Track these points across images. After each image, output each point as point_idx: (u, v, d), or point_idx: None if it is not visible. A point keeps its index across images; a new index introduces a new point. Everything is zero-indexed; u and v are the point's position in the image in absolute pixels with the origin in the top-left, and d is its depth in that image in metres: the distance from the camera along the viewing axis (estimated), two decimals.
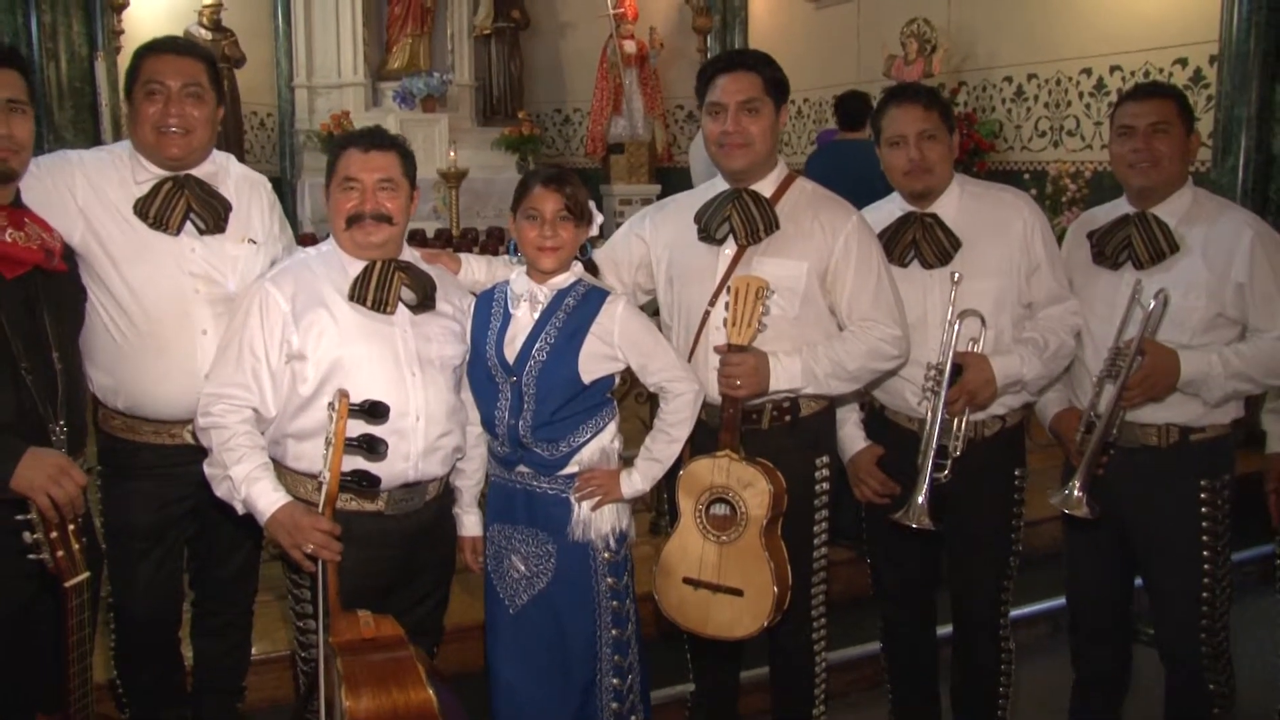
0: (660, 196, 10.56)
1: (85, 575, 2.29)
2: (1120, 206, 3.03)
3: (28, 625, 2.48)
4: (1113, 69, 7.34)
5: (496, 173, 11.26)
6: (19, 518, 2.22)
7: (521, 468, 2.78)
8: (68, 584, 2.26)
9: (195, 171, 2.75)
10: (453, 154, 9.78)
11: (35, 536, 2.23)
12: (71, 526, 2.28)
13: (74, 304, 2.62)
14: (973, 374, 2.86)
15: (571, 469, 2.76)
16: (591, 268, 2.89)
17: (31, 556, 2.24)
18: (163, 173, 2.71)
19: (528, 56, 12.86)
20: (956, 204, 3.00)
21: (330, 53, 11.73)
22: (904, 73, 8.65)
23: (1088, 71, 7.54)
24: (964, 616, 3.17)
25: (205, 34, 10.79)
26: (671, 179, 11.23)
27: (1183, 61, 6.86)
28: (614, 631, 2.83)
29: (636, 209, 10.53)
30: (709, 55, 11.42)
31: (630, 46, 11.49)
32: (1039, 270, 2.95)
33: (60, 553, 2.25)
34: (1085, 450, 2.87)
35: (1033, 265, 2.94)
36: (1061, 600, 3.48)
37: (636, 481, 2.79)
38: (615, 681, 2.84)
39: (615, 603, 2.82)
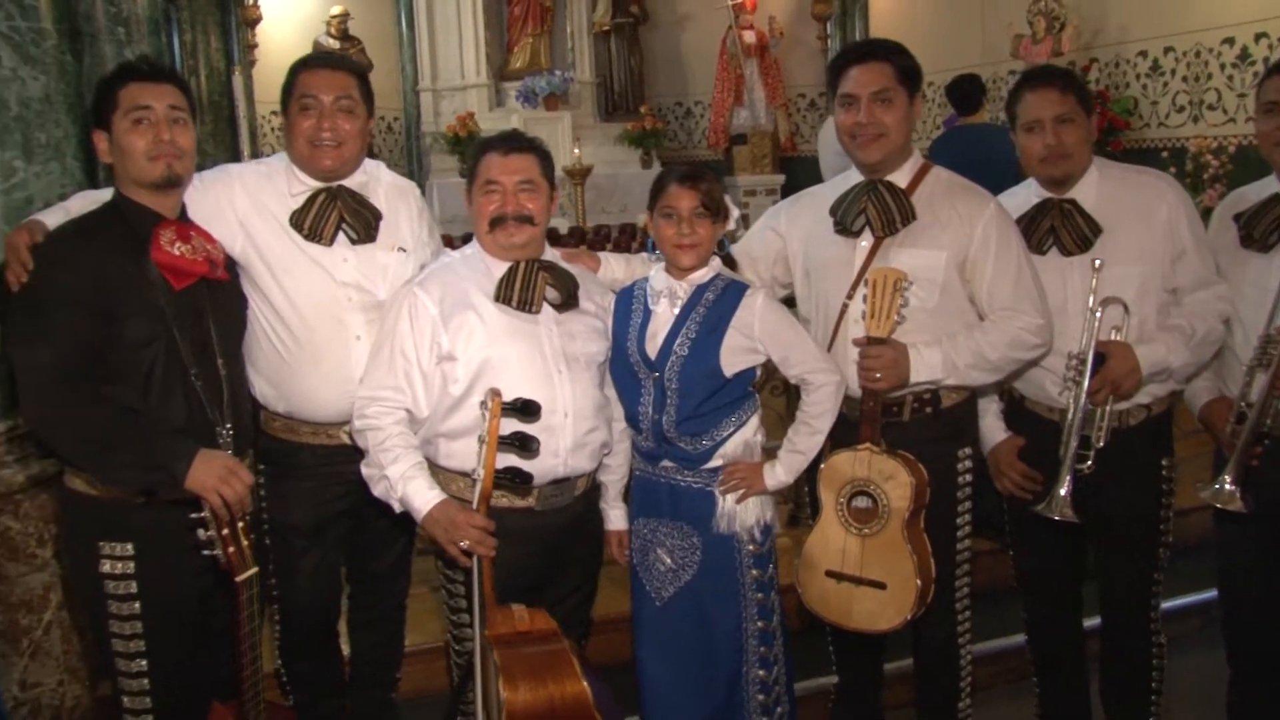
0: (785, 186, 10.67)
1: (254, 570, 2.41)
2: (1270, 185, 2.92)
3: (203, 618, 2.62)
4: (1258, 36, 7.01)
5: (620, 168, 11.35)
6: (192, 516, 2.35)
7: (666, 462, 2.82)
8: (238, 579, 2.38)
9: (347, 182, 2.83)
10: (577, 151, 9.89)
11: (208, 534, 2.35)
12: (241, 524, 2.40)
13: (237, 312, 2.74)
14: (1116, 363, 2.79)
15: (715, 462, 2.79)
16: (729, 262, 2.90)
17: (205, 553, 2.36)
18: (316, 184, 2.80)
19: (647, 50, 12.91)
20: (1096, 188, 2.93)
21: (453, 56, 11.95)
22: (1032, 52, 8.45)
23: (1230, 41, 7.23)
24: (1112, 610, 3.10)
25: (334, 43, 11.12)
26: (796, 169, 11.16)
27: None
28: (759, 623, 2.85)
29: (761, 200, 10.53)
30: (829, 42, 11.34)
31: (750, 36, 11.45)
32: (1185, 255, 2.86)
33: (231, 549, 2.37)
34: (1237, 441, 2.79)
35: (1178, 250, 2.86)
36: (1211, 593, 3.38)
37: (780, 474, 2.80)
38: (761, 673, 2.86)
39: (760, 594, 2.84)
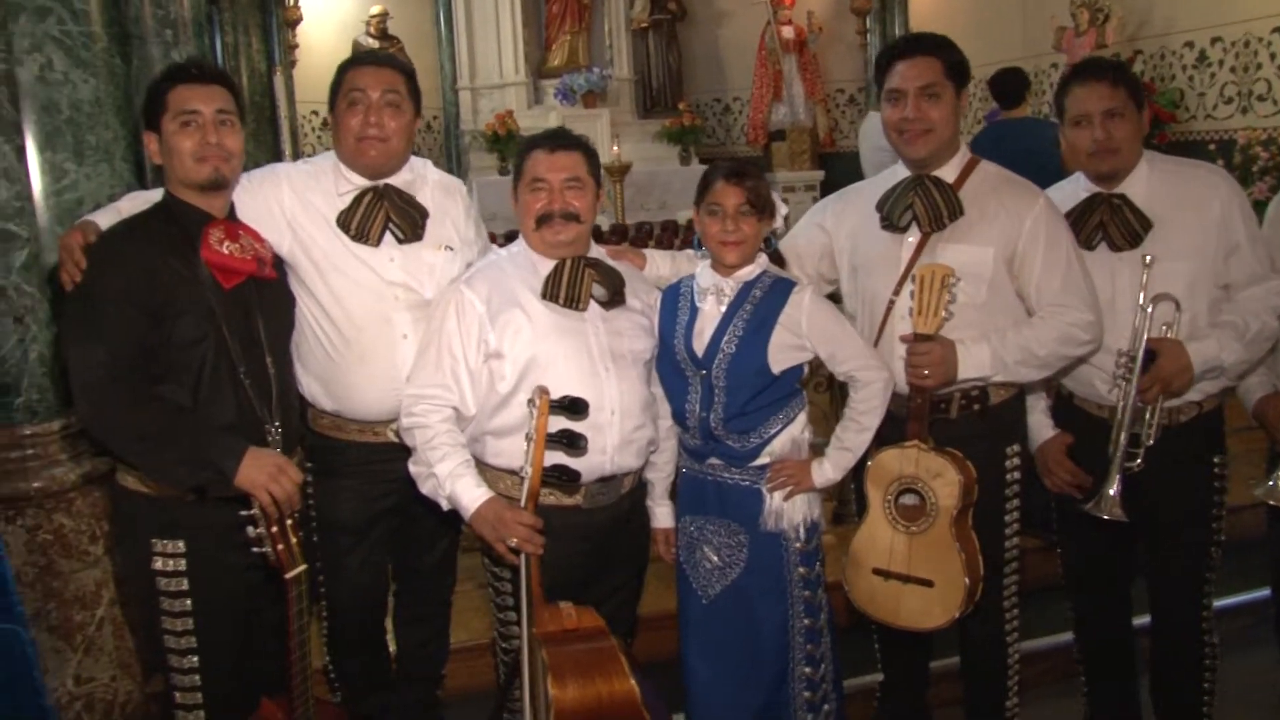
0: (824, 182, 10.61)
1: (303, 567, 2.42)
2: None
3: (253, 615, 2.64)
4: None
5: (659, 165, 11.33)
6: (242, 514, 2.37)
7: (713, 459, 2.81)
8: (288, 576, 2.39)
9: (393, 180, 2.84)
10: (615, 148, 9.88)
11: (257, 531, 2.37)
12: (290, 522, 2.42)
13: (285, 310, 2.76)
14: (1167, 361, 2.76)
15: (763, 460, 2.78)
16: (777, 259, 2.89)
17: (255, 550, 2.38)
18: (364, 183, 2.81)
19: (686, 47, 12.88)
20: (1146, 183, 2.88)
21: (491, 54, 11.98)
22: (1074, 45, 8.36)
23: None
24: (1163, 609, 3.07)
25: (373, 43, 11.19)
26: (835, 164, 11.10)
27: None
28: (806, 621, 2.84)
29: (800, 196, 10.48)
30: (868, 37, 11.27)
31: (788, 32, 11.40)
32: (1238, 250, 2.82)
33: (280, 546, 2.38)
34: None
35: (1231, 245, 2.82)
36: (1263, 591, 3.34)
37: (828, 471, 2.79)
38: (808, 670, 2.85)
39: (807, 592, 2.83)
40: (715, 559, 2.84)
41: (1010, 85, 6.26)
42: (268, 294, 2.67)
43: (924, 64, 2.82)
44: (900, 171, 2.95)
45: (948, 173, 2.87)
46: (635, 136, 11.53)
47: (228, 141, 2.57)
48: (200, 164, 2.52)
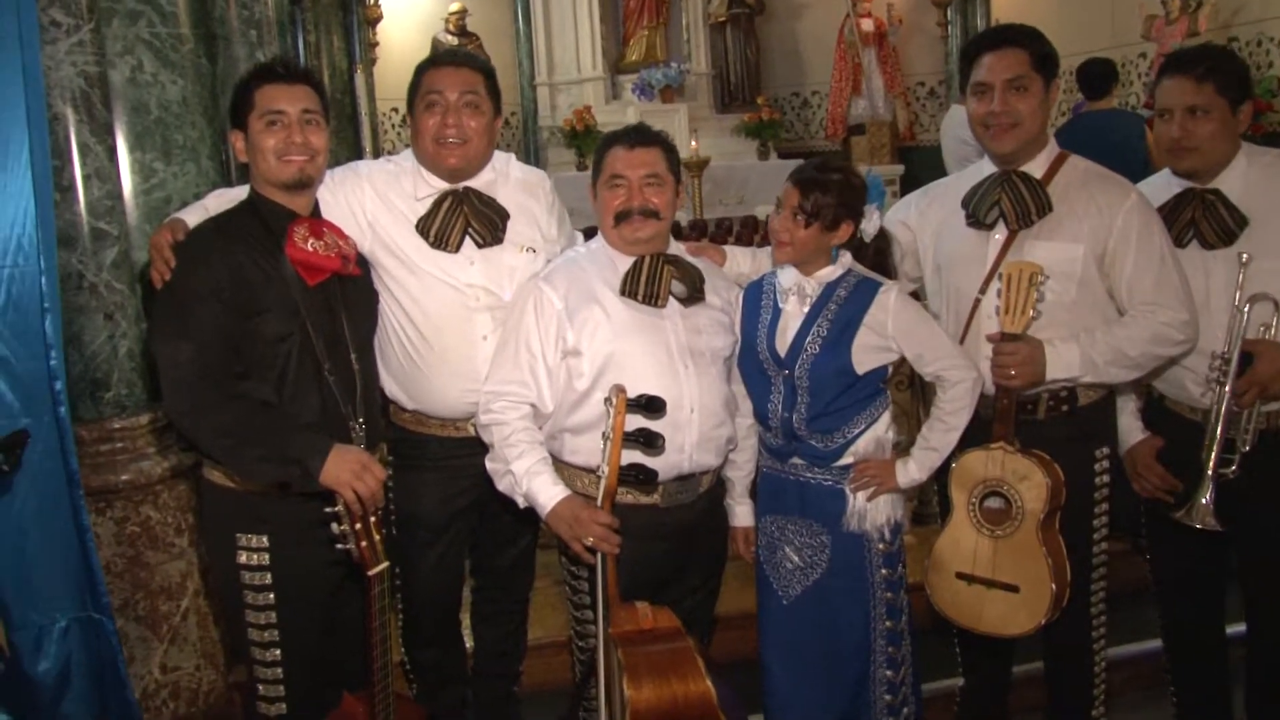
0: (904, 177, 10.47)
1: (386, 565, 2.44)
2: None
3: (335, 609, 2.67)
4: None
5: (737, 159, 11.26)
6: (327, 510, 2.39)
7: (795, 459, 2.79)
8: (370, 573, 2.41)
9: (474, 182, 2.85)
10: (694, 143, 9.85)
11: (341, 528, 2.39)
12: (373, 519, 2.44)
13: (369, 307, 2.78)
14: (1265, 364, 2.67)
15: (846, 460, 2.75)
16: (880, 253, 2.83)
17: (339, 547, 2.40)
18: (443, 185, 2.82)
19: (764, 41, 12.78)
20: (1243, 178, 2.79)
21: (569, 50, 12.00)
22: (1165, 34, 8.15)
23: None
24: (1259, 619, 2.97)
25: (452, 40, 11.27)
26: (915, 159, 10.95)
27: None
28: (888, 623, 2.80)
29: None
30: (949, 29, 11.09)
31: (868, 25, 11.25)
32: None
33: (364, 543, 2.40)
34: None
35: None
36: None
37: (913, 471, 2.74)
38: (889, 673, 2.81)
39: (889, 594, 2.80)
40: (796, 559, 2.81)
41: (1097, 76, 6.13)
42: (352, 291, 2.69)
43: (1011, 56, 2.75)
44: (986, 167, 2.90)
45: (1035, 168, 2.80)
46: (713, 131, 11.47)
47: (313, 140, 2.59)
48: (285, 163, 2.55)
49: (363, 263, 2.76)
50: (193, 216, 2.64)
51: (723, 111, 12.19)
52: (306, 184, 2.62)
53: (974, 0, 10.77)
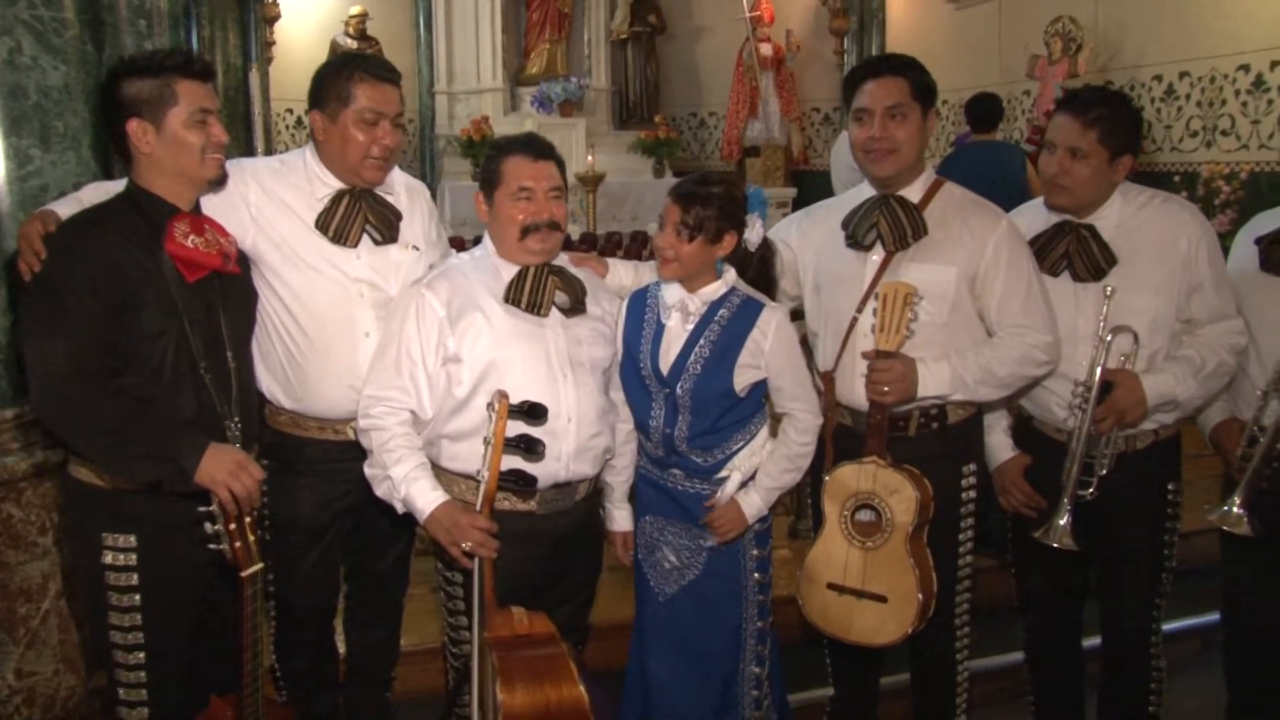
0: (796, 199, 10.66)
1: (260, 566, 2.41)
2: None
3: (204, 612, 2.62)
4: (1274, 64, 7.01)
5: (633, 176, 11.35)
6: (201, 509, 2.35)
7: (675, 470, 2.83)
8: (244, 574, 2.38)
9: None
10: (590, 158, 9.89)
11: (216, 528, 2.35)
12: (248, 519, 2.40)
13: (247, 306, 2.75)
14: (1123, 393, 2.79)
15: (725, 473, 2.79)
16: (768, 246, 2.88)
17: (212, 546, 2.36)
18: (341, 185, 2.80)
19: (664, 60, 12.92)
20: (1118, 217, 2.90)
21: (470, 59, 11.97)
22: (1048, 73, 8.46)
23: (1245, 68, 7.22)
24: (1113, 632, 3.10)
25: (351, 43, 11.15)
26: (808, 182, 11.16)
27: None
28: (759, 623, 2.89)
29: (772, 212, 10.46)
30: (846, 58, 11.33)
31: (766, 49, 11.43)
32: (1202, 289, 2.85)
33: (238, 544, 2.37)
34: (1247, 465, 2.79)
35: (1195, 284, 2.84)
36: (1213, 616, 3.37)
37: (758, 503, 2.82)
38: (757, 670, 2.90)
39: (761, 596, 2.88)
40: (674, 559, 2.87)
41: (987, 109, 6.36)
42: (231, 289, 2.65)
43: (891, 84, 2.83)
44: (866, 190, 2.97)
45: (913, 193, 2.88)
46: (610, 147, 11.54)
47: (224, 136, 2.57)
48: (210, 160, 2.53)
49: (242, 261, 2.72)
50: (65, 208, 2.56)
51: (620, 128, 12.29)
52: (222, 183, 2.61)
53: (871, 31, 11.03)
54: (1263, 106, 7.09)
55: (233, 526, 2.35)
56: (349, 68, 2.79)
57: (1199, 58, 7.56)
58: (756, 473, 2.81)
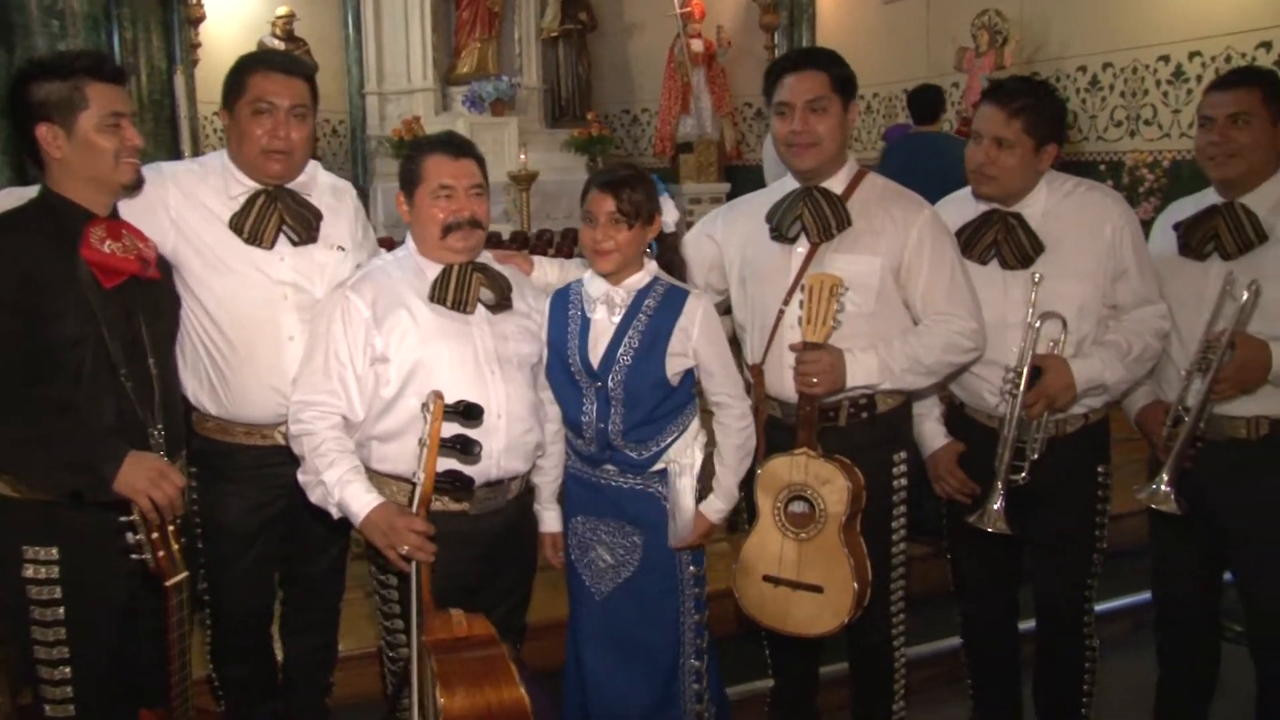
0: (730, 195, 10.71)
1: (185, 575, 2.37)
2: (1209, 196, 2.97)
3: (131, 624, 2.57)
4: (1192, 55, 7.19)
5: (566, 174, 11.30)
6: (122, 519, 2.30)
7: (608, 466, 2.82)
8: (168, 583, 2.33)
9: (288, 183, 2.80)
10: (523, 157, 9.86)
11: (137, 537, 2.30)
12: (171, 528, 2.36)
13: (169, 311, 2.70)
14: (1052, 378, 2.82)
15: (659, 466, 2.79)
16: (675, 262, 2.88)
17: (134, 556, 2.31)
18: (256, 185, 2.76)
19: (595, 58, 12.90)
20: (1043, 205, 2.94)
21: (400, 59, 11.87)
22: (975, 65, 8.57)
23: (1165, 58, 7.39)
24: (1047, 614, 3.14)
25: (279, 44, 11.00)
26: (741, 177, 11.20)
27: (1267, 45, 6.69)
28: (695, 616, 2.89)
29: (706, 208, 10.55)
30: (777, 53, 11.38)
31: (697, 45, 11.45)
32: (1127, 274, 2.89)
33: (161, 553, 2.32)
34: (1173, 445, 2.84)
35: (1120, 269, 2.89)
36: (1143, 595, 3.44)
37: (722, 507, 2.84)
38: (696, 664, 2.90)
39: (696, 589, 2.88)
40: (609, 558, 2.86)
41: (929, 101, 6.43)
42: (151, 294, 2.60)
43: (811, 78, 2.85)
44: (789, 183, 2.99)
45: (836, 184, 2.91)
46: (543, 145, 11.50)
47: (138, 140, 2.52)
48: (124, 164, 2.48)
49: (164, 266, 2.67)
50: None
51: (553, 126, 12.26)
52: (138, 187, 2.55)
53: (800, 26, 11.09)
54: (1183, 96, 7.25)
55: (155, 535, 2.31)
56: (247, 62, 2.77)
57: (1121, 49, 7.72)
58: (702, 472, 2.82)
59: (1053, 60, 8.30)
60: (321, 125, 11.81)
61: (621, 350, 2.73)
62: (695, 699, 2.91)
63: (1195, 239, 2.90)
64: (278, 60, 2.81)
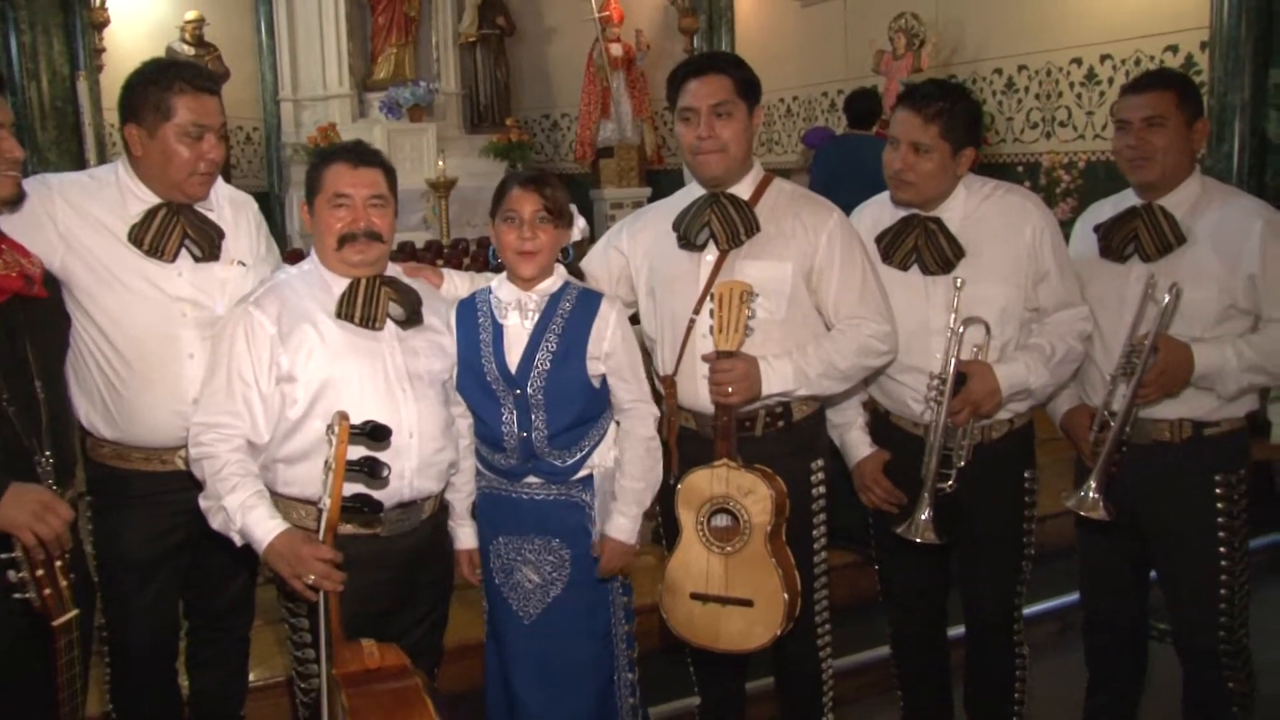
0: (651, 199, 10.66)
1: (74, 613, 2.22)
2: (1127, 198, 2.97)
3: (16, 666, 2.40)
4: (1103, 58, 7.30)
5: (486, 180, 11.12)
6: (2, 556, 2.16)
7: (531, 478, 2.75)
8: (55, 623, 2.19)
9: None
10: (441, 163, 9.74)
11: (20, 575, 2.16)
12: (59, 563, 2.21)
13: (56, 331, 2.56)
14: (977, 384, 2.79)
15: (584, 472, 2.74)
16: (576, 274, 2.85)
17: (16, 596, 2.17)
18: (156, 199, 2.66)
19: (514, 63, 12.83)
20: (963, 209, 2.91)
21: (315, 65, 11.70)
22: (892, 68, 8.63)
23: (1078, 61, 7.50)
24: (976, 620, 3.12)
25: (188, 50, 10.76)
26: (662, 181, 11.18)
27: (1174, 48, 6.82)
28: (626, 627, 2.86)
29: (628, 213, 10.46)
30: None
31: (616, 49, 11.43)
32: (1048, 277, 2.87)
33: (47, 590, 2.17)
34: (1099, 450, 2.83)
35: (1041, 272, 2.87)
36: (1070, 597, 3.44)
37: (628, 526, 2.76)
38: (630, 675, 2.87)
39: (625, 598, 2.85)
40: (536, 578, 2.78)
41: (863, 106, 6.48)
42: (36, 313, 2.45)
43: (715, 82, 2.79)
44: (695, 190, 2.94)
45: (742, 190, 2.86)
46: (462, 151, 11.41)
47: (17, 152, 2.39)
48: (4, 178, 2.36)
49: (51, 283, 2.53)
50: None
51: (472, 132, 12.17)
52: (20, 200, 2.43)
53: (719, 30, 11.09)
54: (1095, 98, 7.36)
55: (40, 573, 2.16)
56: (166, 78, 2.62)
57: (1035, 51, 7.83)
58: (615, 494, 2.76)
59: (969, 63, 8.39)
60: (235, 132, 11.58)
61: (539, 355, 2.66)
62: (631, 713, 2.87)
63: (1115, 241, 2.90)
64: (201, 79, 2.69)
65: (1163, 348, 2.71)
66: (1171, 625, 3.06)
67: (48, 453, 2.40)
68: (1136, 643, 3.16)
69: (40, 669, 2.30)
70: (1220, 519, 2.85)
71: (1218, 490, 2.84)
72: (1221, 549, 2.85)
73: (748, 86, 2.83)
